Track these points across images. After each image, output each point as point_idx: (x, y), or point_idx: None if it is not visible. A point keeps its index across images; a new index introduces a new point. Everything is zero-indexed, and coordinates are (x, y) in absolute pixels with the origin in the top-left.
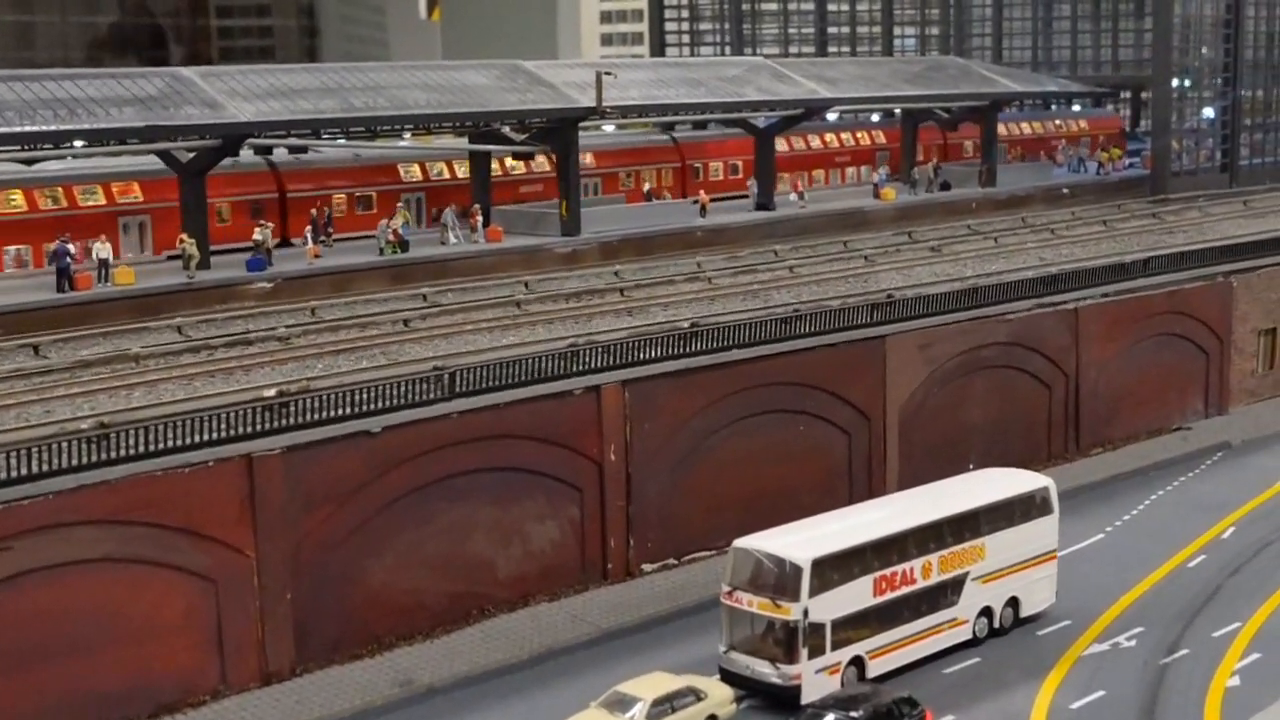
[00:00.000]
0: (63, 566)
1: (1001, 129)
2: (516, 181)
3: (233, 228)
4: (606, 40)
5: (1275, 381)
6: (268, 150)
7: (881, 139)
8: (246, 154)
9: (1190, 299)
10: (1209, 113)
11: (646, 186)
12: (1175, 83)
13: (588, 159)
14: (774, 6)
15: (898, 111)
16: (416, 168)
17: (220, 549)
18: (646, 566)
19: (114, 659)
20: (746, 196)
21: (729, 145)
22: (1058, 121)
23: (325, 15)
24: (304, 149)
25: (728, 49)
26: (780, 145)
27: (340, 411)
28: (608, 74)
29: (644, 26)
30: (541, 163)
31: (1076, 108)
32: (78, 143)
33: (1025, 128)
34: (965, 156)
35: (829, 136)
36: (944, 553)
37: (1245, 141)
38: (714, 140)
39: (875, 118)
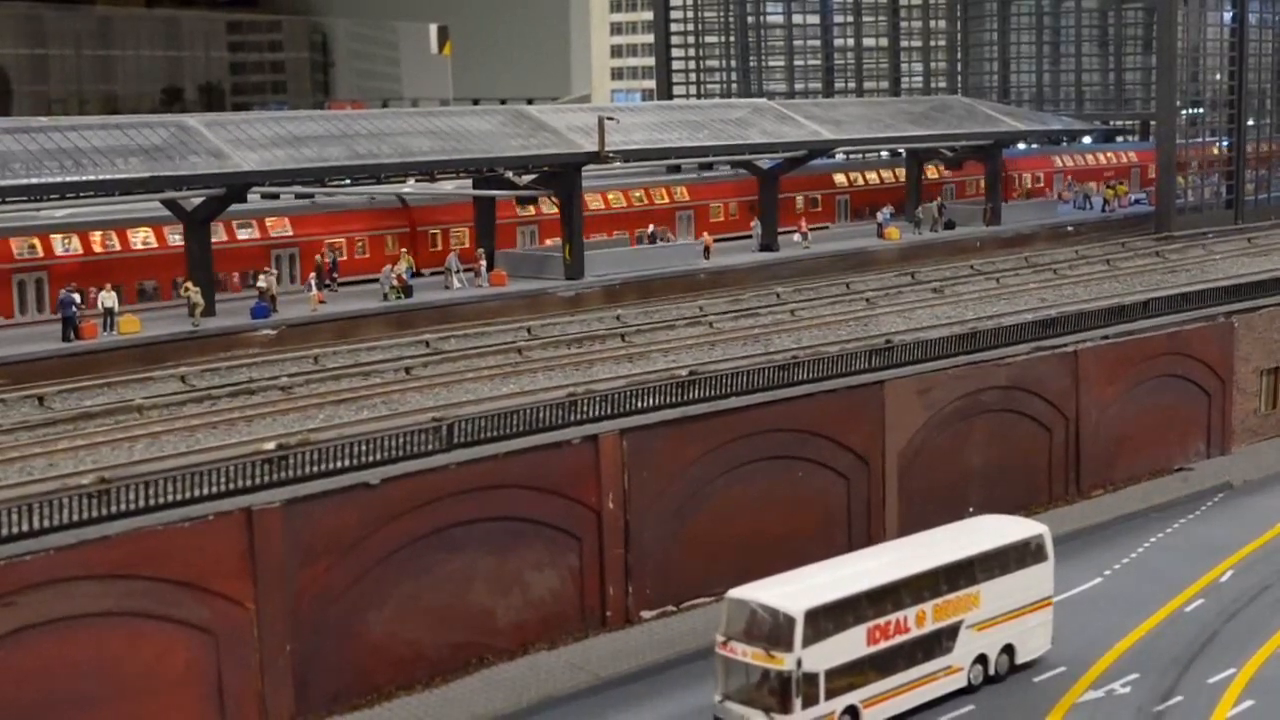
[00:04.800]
0: (64, 621)
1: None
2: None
3: (738, 221)
4: (617, 74)
5: (1278, 421)
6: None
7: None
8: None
9: (1191, 340)
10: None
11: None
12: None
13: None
14: (780, 44)
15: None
16: (843, 177)
17: (220, 602)
18: (645, 614)
19: (115, 713)
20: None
21: (1035, 160)
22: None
23: (338, 50)
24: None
25: (734, 86)
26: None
27: (339, 464)
28: (610, 118)
29: (654, 60)
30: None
31: None
32: None
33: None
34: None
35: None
36: (938, 601)
37: (1250, 177)
38: (1023, 156)
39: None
